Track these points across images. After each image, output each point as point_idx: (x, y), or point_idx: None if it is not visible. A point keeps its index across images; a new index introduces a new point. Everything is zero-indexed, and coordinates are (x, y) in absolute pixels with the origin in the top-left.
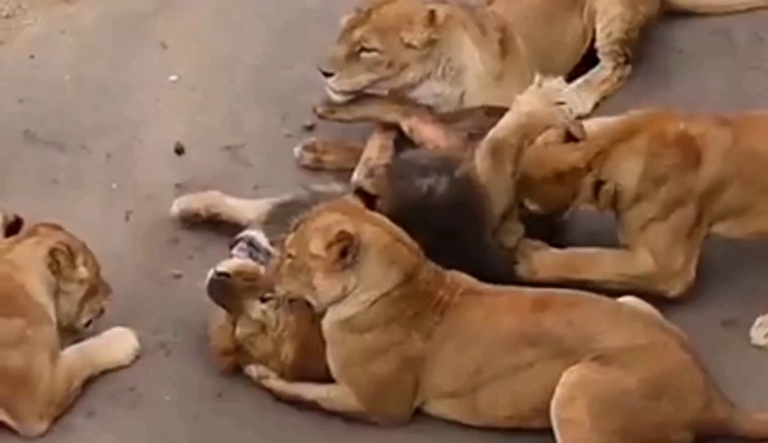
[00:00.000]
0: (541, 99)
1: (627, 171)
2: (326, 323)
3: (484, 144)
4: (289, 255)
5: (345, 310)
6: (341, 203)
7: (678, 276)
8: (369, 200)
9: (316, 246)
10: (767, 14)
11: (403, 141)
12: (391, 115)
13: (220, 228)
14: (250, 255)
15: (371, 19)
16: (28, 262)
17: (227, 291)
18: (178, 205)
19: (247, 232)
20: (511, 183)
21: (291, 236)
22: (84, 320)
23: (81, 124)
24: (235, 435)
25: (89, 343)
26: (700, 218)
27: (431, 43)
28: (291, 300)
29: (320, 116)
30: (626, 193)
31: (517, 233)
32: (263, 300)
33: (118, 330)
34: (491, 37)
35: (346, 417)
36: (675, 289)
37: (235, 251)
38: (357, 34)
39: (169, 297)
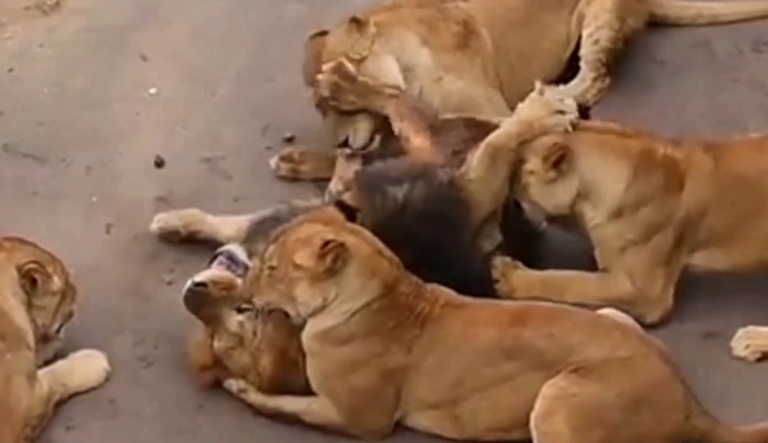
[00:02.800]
0: (541, 107)
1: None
2: (305, 335)
3: (482, 147)
4: (270, 267)
5: (324, 322)
6: (322, 214)
7: (656, 302)
8: (349, 213)
9: (301, 256)
10: (747, 27)
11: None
12: (389, 109)
13: (200, 242)
14: (229, 269)
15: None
16: (0, 282)
17: (204, 302)
18: (158, 221)
19: (227, 247)
20: (501, 188)
21: (271, 247)
22: (56, 326)
23: (60, 137)
24: None
25: (60, 366)
26: (679, 243)
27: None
28: (269, 311)
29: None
30: (606, 203)
31: (495, 239)
32: (240, 310)
33: (88, 352)
34: (442, 31)
35: (327, 430)
36: (653, 315)
37: (214, 265)
38: None
39: (149, 310)
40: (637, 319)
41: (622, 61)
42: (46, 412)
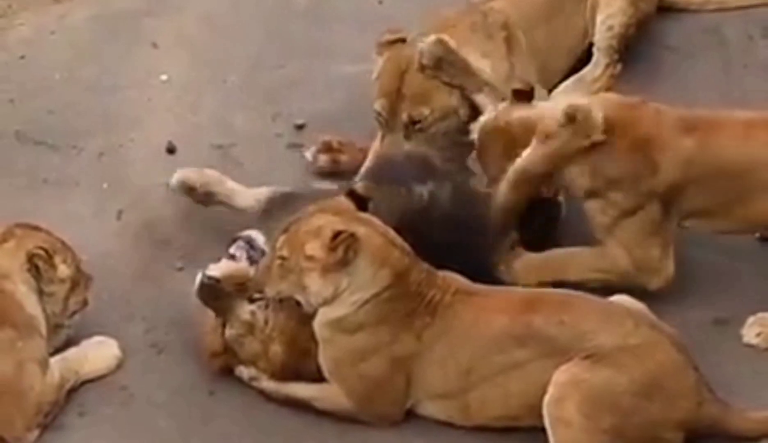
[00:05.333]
0: (579, 134)
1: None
2: (317, 323)
3: (511, 172)
4: (281, 257)
5: (336, 311)
6: (332, 204)
7: (655, 270)
8: (360, 203)
9: (313, 247)
10: (758, 12)
11: None
12: (482, 94)
13: (212, 227)
14: (248, 255)
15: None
16: (11, 269)
17: (216, 295)
18: (179, 175)
19: (247, 232)
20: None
21: (282, 237)
22: (69, 315)
23: (72, 124)
24: (227, 434)
25: (72, 353)
26: (667, 213)
27: None
28: (280, 301)
29: (423, 66)
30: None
31: (512, 237)
32: (252, 300)
33: (99, 339)
34: (496, 39)
35: (338, 417)
36: (653, 283)
37: (233, 249)
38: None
39: (160, 297)
40: (641, 288)
41: (633, 46)
42: (58, 399)
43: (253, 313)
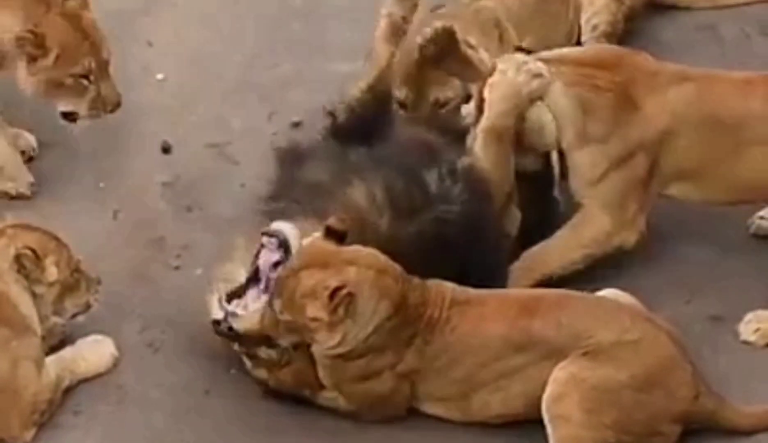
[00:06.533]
0: (519, 73)
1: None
2: (318, 353)
3: (482, 134)
4: (285, 320)
5: (341, 349)
6: (313, 253)
7: (630, 224)
8: (338, 237)
9: (313, 310)
10: (754, 10)
11: None
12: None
13: (209, 226)
14: (279, 258)
15: None
16: (2, 268)
17: (233, 338)
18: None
19: (281, 227)
20: (511, 166)
21: (279, 302)
22: (68, 316)
23: (68, 123)
24: (222, 432)
25: (68, 352)
26: (653, 170)
27: None
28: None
29: (425, 55)
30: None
31: (516, 219)
32: (269, 344)
33: (95, 338)
34: (491, 35)
35: (336, 416)
36: (630, 239)
37: (264, 240)
38: None
39: (156, 296)
40: (619, 252)
41: (628, 44)
42: (54, 398)
43: (269, 355)
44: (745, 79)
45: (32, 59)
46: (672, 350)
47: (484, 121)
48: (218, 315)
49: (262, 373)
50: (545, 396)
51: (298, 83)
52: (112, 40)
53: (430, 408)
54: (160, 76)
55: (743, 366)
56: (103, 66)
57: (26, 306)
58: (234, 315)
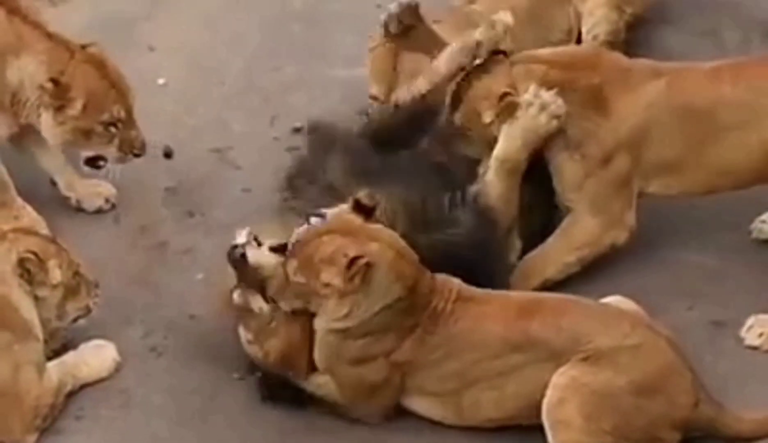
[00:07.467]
0: (541, 113)
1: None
2: (320, 328)
3: (495, 164)
4: (297, 282)
5: (345, 322)
6: (339, 221)
7: (618, 222)
8: (366, 212)
9: (328, 276)
10: (757, 15)
11: None
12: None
13: (210, 230)
14: None
15: None
16: (4, 273)
17: (239, 268)
18: None
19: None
20: (517, 197)
21: (294, 262)
22: (69, 320)
23: None
24: (225, 437)
25: (70, 357)
26: (634, 166)
27: None
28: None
29: (390, 33)
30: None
31: (517, 250)
32: (265, 298)
33: (98, 343)
34: None
35: (335, 417)
36: (621, 238)
37: (312, 220)
38: None
39: (159, 301)
40: (611, 250)
41: (628, 50)
42: (56, 403)
43: (261, 309)
44: (714, 67)
45: (58, 108)
46: (672, 357)
47: (499, 151)
48: (240, 238)
49: (254, 350)
50: (545, 401)
51: (299, 87)
52: (113, 45)
53: (419, 403)
54: (161, 81)
55: (745, 370)
56: (131, 112)
57: (28, 310)
58: (255, 243)
